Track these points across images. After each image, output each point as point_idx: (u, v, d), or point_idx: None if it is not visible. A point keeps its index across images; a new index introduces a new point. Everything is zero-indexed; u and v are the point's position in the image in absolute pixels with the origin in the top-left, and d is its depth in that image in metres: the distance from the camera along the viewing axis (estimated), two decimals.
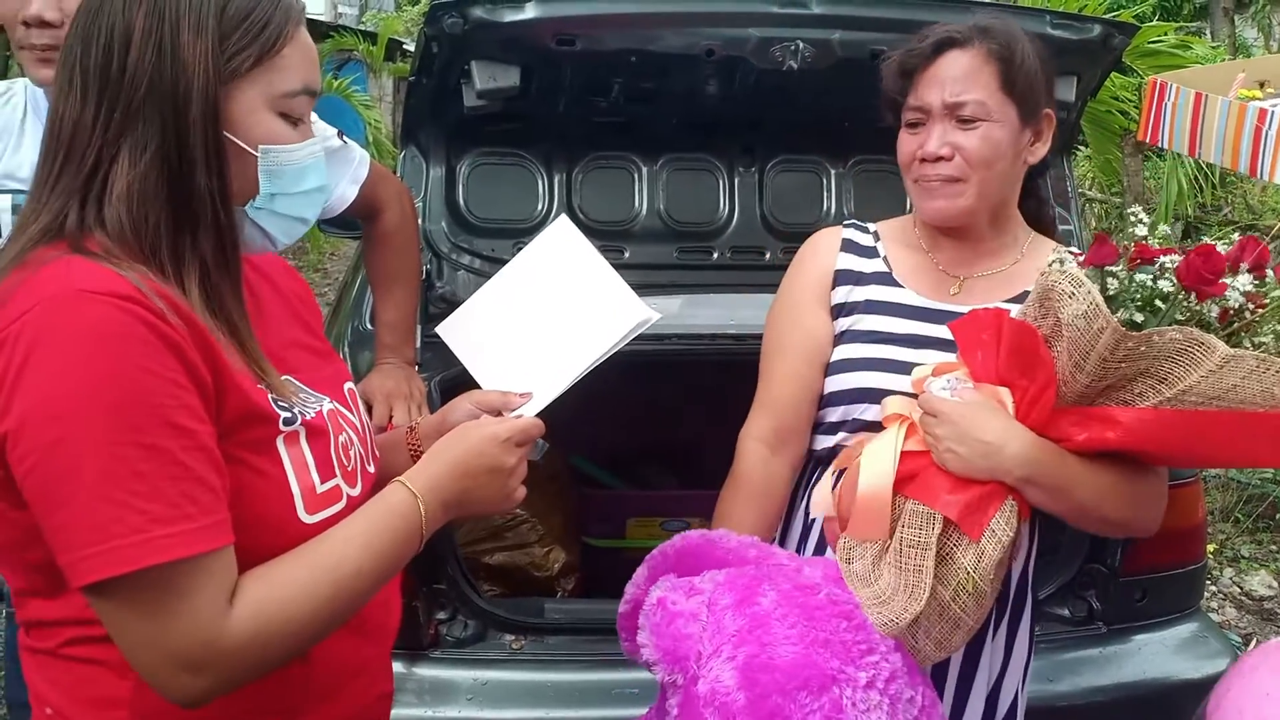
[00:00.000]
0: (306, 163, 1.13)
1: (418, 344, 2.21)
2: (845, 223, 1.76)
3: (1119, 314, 1.29)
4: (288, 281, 1.33)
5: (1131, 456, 1.42)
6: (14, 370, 0.95)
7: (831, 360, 1.65)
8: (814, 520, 1.65)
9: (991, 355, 1.44)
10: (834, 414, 1.65)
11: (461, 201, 2.76)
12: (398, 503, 1.14)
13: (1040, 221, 1.76)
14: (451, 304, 2.61)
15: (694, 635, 1.28)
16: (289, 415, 1.09)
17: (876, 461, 1.43)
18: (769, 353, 1.71)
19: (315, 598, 1.04)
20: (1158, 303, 1.31)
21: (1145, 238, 1.36)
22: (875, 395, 1.57)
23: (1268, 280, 1.32)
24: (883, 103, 1.68)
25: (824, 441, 1.67)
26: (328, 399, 1.19)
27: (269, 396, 1.08)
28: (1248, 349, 1.27)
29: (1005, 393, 1.42)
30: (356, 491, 1.18)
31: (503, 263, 2.68)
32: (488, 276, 2.69)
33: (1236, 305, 1.30)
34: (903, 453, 1.43)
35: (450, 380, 2.17)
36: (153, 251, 1.04)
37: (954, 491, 1.38)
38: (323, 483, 1.12)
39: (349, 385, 1.28)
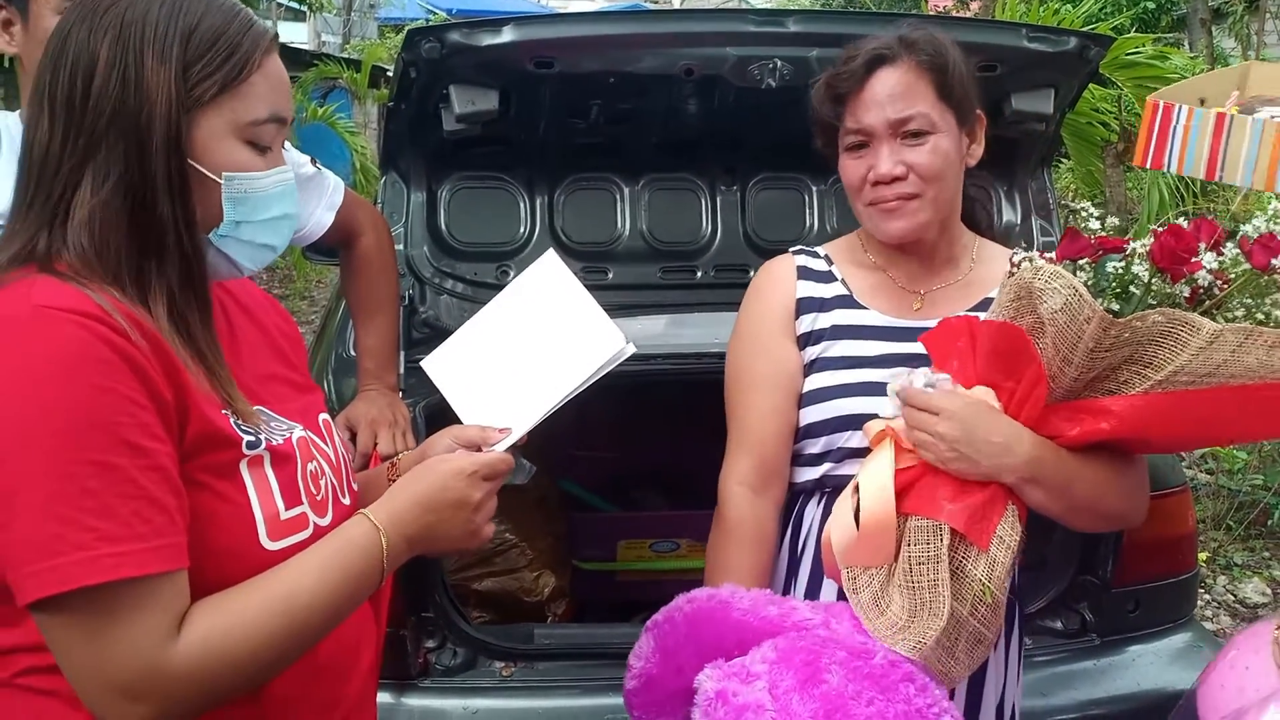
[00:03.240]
0: (273, 190, 1.12)
1: (401, 369, 2.20)
2: (794, 249, 1.73)
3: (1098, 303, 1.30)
4: (271, 316, 1.32)
5: (1120, 447, 1.41)
6: None
7: (805, 391, 1.62)
8: (801, 555, 1.62)
9: (969, 361, 1.43)
10: (816, 445, 1.61)
11: (443, 226, 2.75)
12: (359, 535, 1.12)
13: (974, 221, 1.74)
14: (434, 328, 2.61)
15: None
16: (252, 439, 1.08)
17: (874, 483, 1.39)
18: (739, 390, 1.66)
19: (265, 629, 1.02)
20: (1132, 289, 1.32)
21: (1101, 231, 1.37)
22: (857, 421, 1.54)
23: (1225, 256, 1.32)
24: (815, 128, 1.65)
25: (807, 474, 1.63)
26: (299, 426, 1.18)
27: (232, 420, 1.07)
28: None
29: (989, 392, 1.41)
30: (325, 521, 1.16)
31: (485, 286, 2.72)
32: (470, 301, 2.73)
33: (1205, 284, 1.31)
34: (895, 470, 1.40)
35: (434, 406, 2.16)
36: (115, 277, 1.04)
37: (955, 500, 1.36)
38: (287, 509, 1.10)
39: (324, 417, 1.27)
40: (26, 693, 1.03)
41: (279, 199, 1.13)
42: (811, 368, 1.62)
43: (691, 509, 3.25)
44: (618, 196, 2.87)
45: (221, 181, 1.08)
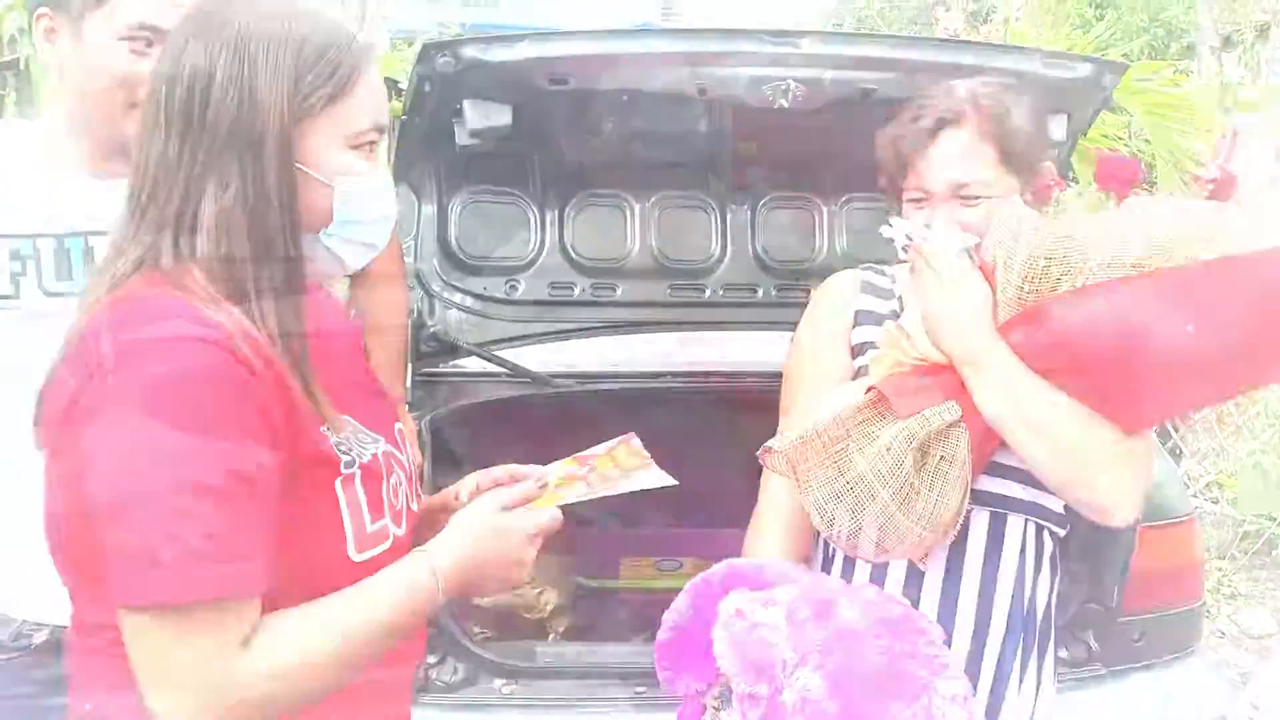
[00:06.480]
0: (379, 192, 1.18)
1: (408, 383, 2.19)
2: (863, 265, 1.78)
3: None
4: (337, 319, 1.36)
5: (1084, 373, 1.43)
6: (98, 400, 1.01)
7: None
8: (834, 551, 1.65)
9: None
10: None
11: (453, 240, 2.75)
12: (421, 582, 1.15)
13: None
14: (442, 342, 2.61)
15: (778, 645, 1.28)
16: (348, 459, 1.14)
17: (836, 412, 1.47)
18: (791, 389, 1.73)
19: (322, 655, 1.07)
20: None
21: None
22: None
23: None
24: (879, 175, 1.70)
25: None
26: (383, 440, 1.22)
27: (331, 440, 1.12)
28: None
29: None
30: (402, 531, 1.22)
31: (494, 301, 2.72)
32: (479, 315, 2.72)
33: None
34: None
35: (439, 419, 2.16)
36: (238, 287, 1.08)
37: (897, 378, 1.47)
38: (373, 523, 1.16)
39: (399, 425, 1.31)
40: (120, 659, 1.06)
41: (382, 199, 1.19)
42: (858, 374, 1.66)
43: (696, 527, 3.25)
44: (628, 213, 2.87)
45: (333, 186, 1.13)
